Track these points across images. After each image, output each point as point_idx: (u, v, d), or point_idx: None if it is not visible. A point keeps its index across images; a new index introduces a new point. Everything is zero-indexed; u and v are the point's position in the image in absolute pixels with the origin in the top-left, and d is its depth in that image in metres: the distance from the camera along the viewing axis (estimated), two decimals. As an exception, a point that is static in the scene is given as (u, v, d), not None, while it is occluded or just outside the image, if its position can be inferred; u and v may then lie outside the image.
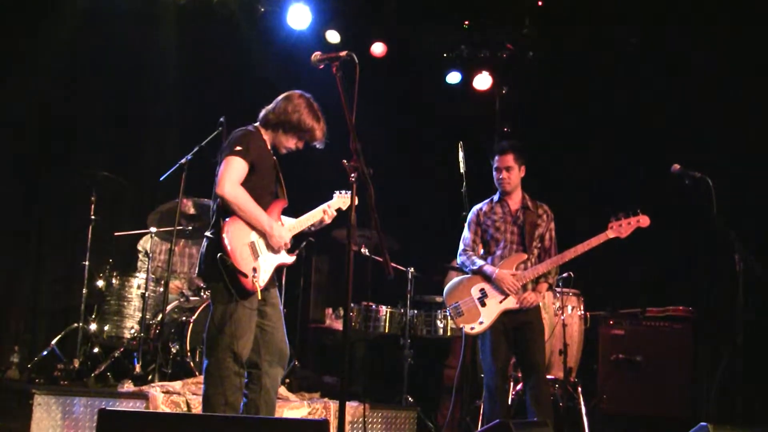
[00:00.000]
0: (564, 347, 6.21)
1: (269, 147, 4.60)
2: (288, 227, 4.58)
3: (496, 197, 5.70)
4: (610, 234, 5.39)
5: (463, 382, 6.03)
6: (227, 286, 4.27)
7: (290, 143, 4.62)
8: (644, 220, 5.42)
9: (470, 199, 6.01)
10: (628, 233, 5.41)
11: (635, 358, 6.77)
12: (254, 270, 4.31)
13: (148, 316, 6.60)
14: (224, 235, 4.27)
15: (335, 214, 4.77)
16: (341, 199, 4.78)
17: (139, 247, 7.24)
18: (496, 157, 5.60)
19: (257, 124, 4.62)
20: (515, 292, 5.40)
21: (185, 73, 7.94)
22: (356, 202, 3.94)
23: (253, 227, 4.39)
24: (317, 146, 4.68)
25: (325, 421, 3.56)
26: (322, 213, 4.73)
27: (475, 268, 5.53)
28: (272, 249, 4.49)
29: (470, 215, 5.75)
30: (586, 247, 5.37)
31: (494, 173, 5.63)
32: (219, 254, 4.25)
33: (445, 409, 7.14)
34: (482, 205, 5.74)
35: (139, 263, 7.20)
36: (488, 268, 5.48)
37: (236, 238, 4.31)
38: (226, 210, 4.35)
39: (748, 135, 7.20)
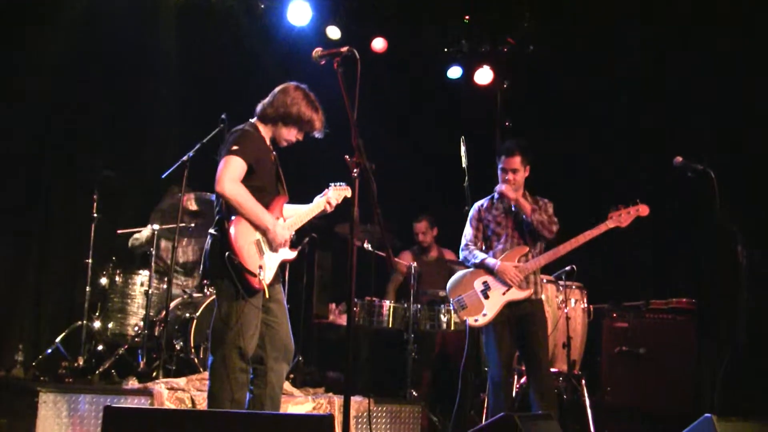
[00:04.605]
0: (567, 340, 6.22)
1: (268, 142, 4.60)
2: (288, 224, 4.58)
3: (497, 194, 5.70)
4: (610, 224, 5.40)
5: (468, 375, 6.03)
6: (234, 283, 4.27)
7: (290, 135, 4.62)
8: (644, 209, 5.43)
9: (472, 193, 6.01)
10: (628, 222, 5.42)
11: (638, 350, 6.75)
12: (260, 268, 4.32)
13: (151, 313, 6.61)
14: (231, 234, 4.27)
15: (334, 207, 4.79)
16: (337, 191, 4.79)
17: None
18: (503, 158, 5.57)
19: (254, 120, 4.62)
20: (518, 284, 5.41)
21: (186, 70, 7.93)
22: (356, 197, 3.93)
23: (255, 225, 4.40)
24: (316, 136, 4.68)
25: (330, 416, 3.56)
26: (323, 207, 4.75)
27: (477, 261, 5.55)
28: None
29: (471, 212, 5.76)
30: (587, 237, 5.39)
31: (499, 173, 5.60)
32: (227, 253, 4.24)
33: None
34: (483, 202, 5.74)
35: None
36: (490, 261, 5.49)
37: (243, 236, 4.31)
38: (231, 208, 4.35)
39: (747, 130, 7.20)
